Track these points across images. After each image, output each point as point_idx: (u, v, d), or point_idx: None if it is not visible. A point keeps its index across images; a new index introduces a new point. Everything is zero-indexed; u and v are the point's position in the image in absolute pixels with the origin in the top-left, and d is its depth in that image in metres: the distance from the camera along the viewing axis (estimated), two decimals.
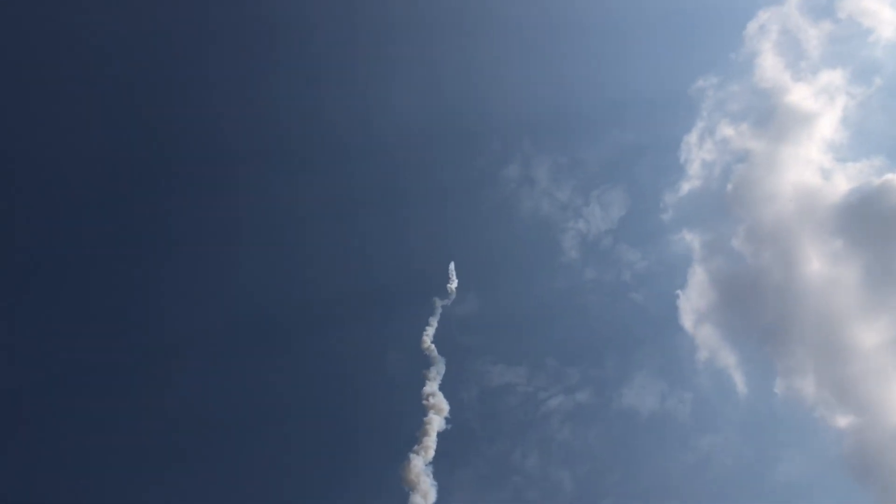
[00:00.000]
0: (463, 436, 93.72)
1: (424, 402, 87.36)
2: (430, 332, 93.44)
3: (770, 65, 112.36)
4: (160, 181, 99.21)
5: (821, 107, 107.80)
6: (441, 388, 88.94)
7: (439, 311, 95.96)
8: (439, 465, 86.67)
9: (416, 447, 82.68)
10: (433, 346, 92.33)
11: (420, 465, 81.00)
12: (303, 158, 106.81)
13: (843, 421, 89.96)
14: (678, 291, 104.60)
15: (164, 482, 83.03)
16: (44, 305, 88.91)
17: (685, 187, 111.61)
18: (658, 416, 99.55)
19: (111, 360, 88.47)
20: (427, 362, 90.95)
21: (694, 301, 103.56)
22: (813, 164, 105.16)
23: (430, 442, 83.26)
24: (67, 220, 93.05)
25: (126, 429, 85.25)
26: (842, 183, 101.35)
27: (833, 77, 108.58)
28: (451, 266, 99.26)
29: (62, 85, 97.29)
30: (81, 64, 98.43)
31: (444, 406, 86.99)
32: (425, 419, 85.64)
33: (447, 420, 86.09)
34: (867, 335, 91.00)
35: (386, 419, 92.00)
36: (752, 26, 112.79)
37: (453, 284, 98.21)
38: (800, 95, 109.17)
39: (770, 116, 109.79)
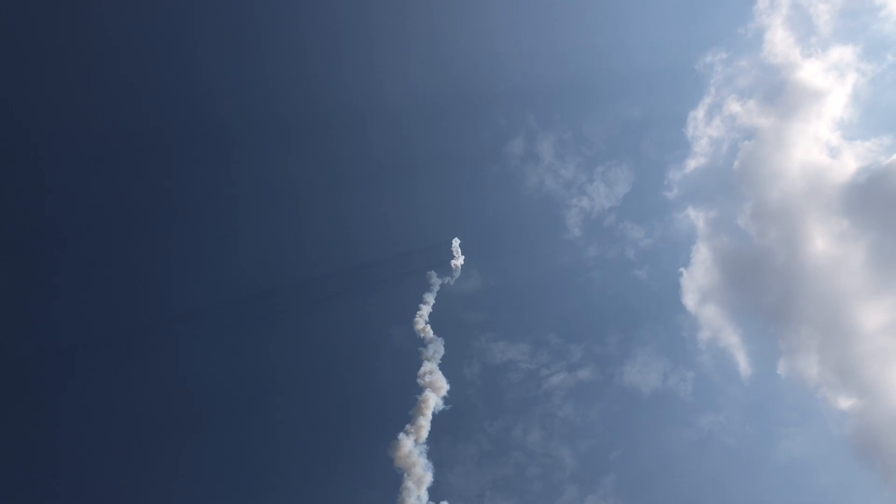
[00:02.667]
0: (464, 412, 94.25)
1: (420, 380, 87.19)
2: (424, 311, 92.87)
3: (779, 40, 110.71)
4: (154, 157, 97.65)
5: (830, 84, 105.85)
6: (442, 365, 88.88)
7: (437, 287, 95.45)
8: (439, 444, 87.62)
9: (407, 427, 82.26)
10: (428, 326, 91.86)
11: (409, 445, 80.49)
12: (304, 132, 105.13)
13: (846, 403, 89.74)
14: (682, 269, 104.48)
15: (150, 456, 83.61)
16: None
17: (691, 164, 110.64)
18: (660, 394, 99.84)
19: (107, 335, 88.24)
20: (423, 342, 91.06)
21: (698, 279, 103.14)
22: (821, 142, 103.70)
23: (424, 421, 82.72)
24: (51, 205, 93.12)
25: (123, 402, 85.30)
26: (850, 162, 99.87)
27: (843, 53, 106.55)
28: (456, 242, 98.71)
29: (59, 66, 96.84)
30: (75, 45, 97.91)
31: (443, 384, 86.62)
32: (420, 398, 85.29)
33: (445, 399, 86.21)
34: (872, 317, 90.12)
35: (381, 398, 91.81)
36: (762, 1, 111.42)
37: (459, 261, 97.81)
38: (809, 72, 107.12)
39: (778, 93, 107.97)
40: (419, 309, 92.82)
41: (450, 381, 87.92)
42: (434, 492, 79.65)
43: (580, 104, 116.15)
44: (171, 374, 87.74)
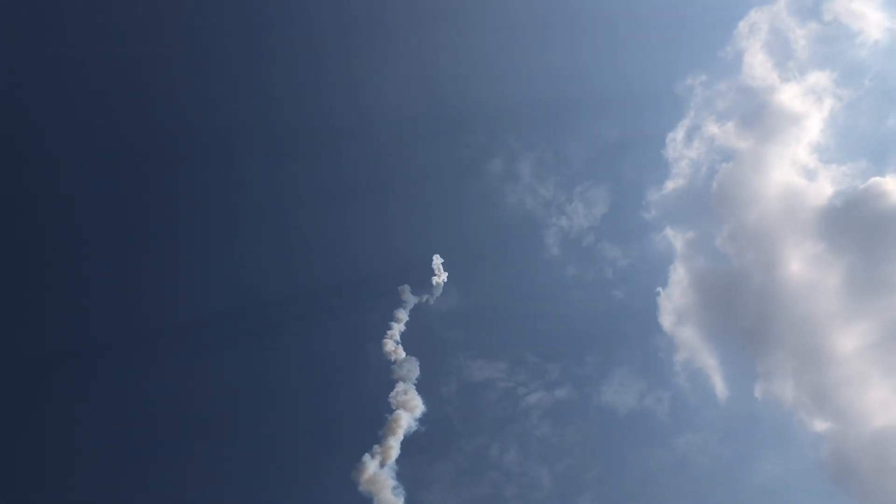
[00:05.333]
0: (441, 431, 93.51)
1: (392, 400, 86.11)
2: (396, 329, 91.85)
3: (758, 63, 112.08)
4: (137, 174, 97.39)
5: (808, 108, 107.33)
6: (418, 384, 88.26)
7: (410, 304, 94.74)
8: (415, 462, 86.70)
9: (374, 448, 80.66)
10: (400, 347, 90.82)
11: (373, 467, 78.77)
12: (285, 151, 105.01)
13: (821, 425, 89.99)
14: (659, 289, 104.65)
15: (129, 468, 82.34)
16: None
17: (669, 185, 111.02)
18: (636, 414, 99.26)
19: (90, 349, 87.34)
20: (394, 364, 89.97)
21: (675, 300, 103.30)
22: (798, 165, 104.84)
23: (394, 442, 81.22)
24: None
25: (101, 418, 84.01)
26: (826, 185, 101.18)
27: (820, 78, 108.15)
28: (438, 260, 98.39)
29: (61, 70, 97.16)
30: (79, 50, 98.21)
31: (418, 404, 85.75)
32: (391, 418, 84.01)
33: (420, 418, 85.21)
34: (847, 341, 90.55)
35: (352, 420, 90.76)
36: (743, 25, 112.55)
37: (441, 278, 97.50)
38: (787, 95, 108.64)
39: (757, 116, 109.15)
40: (389, 328, 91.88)
41: (426, 400, 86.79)
42: None
43: (560, 124, 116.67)
44: (138, 393, 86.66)
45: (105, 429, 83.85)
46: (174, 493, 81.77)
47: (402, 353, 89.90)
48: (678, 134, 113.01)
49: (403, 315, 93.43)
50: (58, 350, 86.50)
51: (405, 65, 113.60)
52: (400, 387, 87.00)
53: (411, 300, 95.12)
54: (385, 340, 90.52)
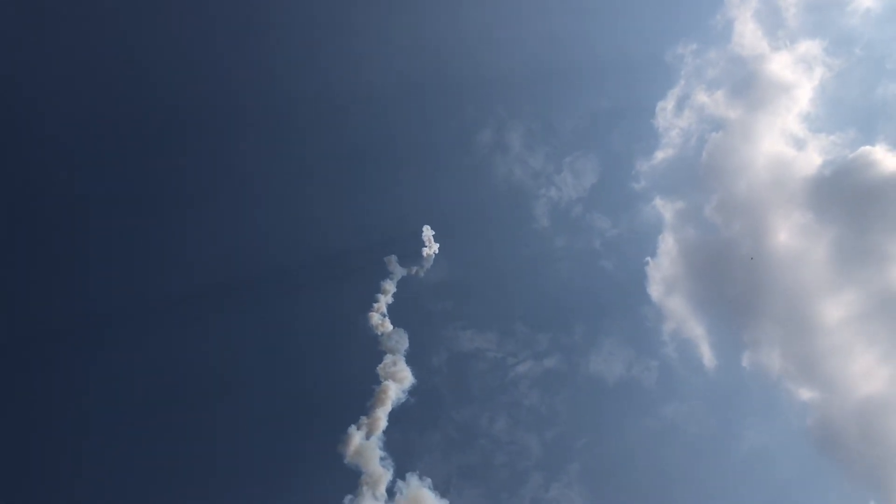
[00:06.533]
0: (431, 401, 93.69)
1: (381, 371, 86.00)
2: (382, 301, 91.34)
3: (749, 32, 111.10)
4: (132, 146, 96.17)
5: (798, 77, 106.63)
6: (408, 354, 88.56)
7: (398, 275, 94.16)
8: (405, 433, 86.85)
9: (361, 420, 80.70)
10: (387, 319, 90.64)
11: (359, 439, 78.75)
12: (268, 121, 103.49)
13: (807, 394, 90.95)
14: (647, 259, 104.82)
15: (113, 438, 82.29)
16: None
17: (659, 155, 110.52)
18: (624, 383, 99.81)
19: (70, 324, 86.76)
20: (381, 337, 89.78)
21: (664, 270, 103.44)
22: (787, 134, 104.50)
23: (382, 413, 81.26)
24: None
25: (85, 391, 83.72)
26: (815, 155, 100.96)
27: (811, 47, 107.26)
28: (428, 231, 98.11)
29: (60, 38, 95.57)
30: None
31: (407, 375, 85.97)
32: (378, 389, 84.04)
33: (409, 389, 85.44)
34: (834, 311, 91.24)
35: (342, 392, 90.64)
36: None
37: (431, 250, 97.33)
38: (777, 64, 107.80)
39: (747, 85, 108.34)
40: (376, 300, 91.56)
41: (416, 370, 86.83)
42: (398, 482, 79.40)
43: (549, 94, 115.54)
44: (125, 366, 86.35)
45: (95, 399, 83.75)
46: (160, 467, 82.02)
47: (388, 326, 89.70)
48: (668, 103, 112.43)
49: (391, 286, 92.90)
50: (55, 323, 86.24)
51: (394, 36, 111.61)
52: (388, 359, 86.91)
53: (399, 271, 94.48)
54: (371, 314, 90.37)
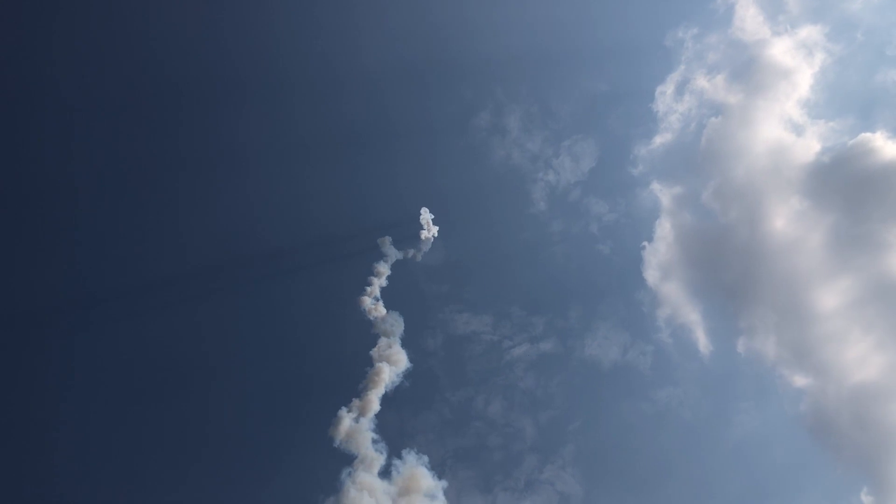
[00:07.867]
0: (426, 384, 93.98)
1: (374, 354, 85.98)
2: (375, 285, 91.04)
3: (750, 16, 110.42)
4: (130, 122, 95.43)
5: (798, 62, 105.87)
6: (404, 337, 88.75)
7: (392, 257, 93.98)
8: (400, 415, 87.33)
9: (353, 402, 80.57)
10: (380, 303, 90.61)
11: (349, 421, 78.52)
12: (264, 100, 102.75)
13: (801, 381, 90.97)
14: (644, 244, 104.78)
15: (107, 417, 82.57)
16: None
17: (657, 140, 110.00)
18: (619, 367, 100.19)
19: (64, 302, 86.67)
20: (374, 321, 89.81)
21: (660, 255, 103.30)
22: (787, 120, 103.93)
23: (374, 395, 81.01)
24: None
25: (76, 373, 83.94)
26: (814, 141, 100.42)
27: (812, 32, 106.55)
28: (426, 214, 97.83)
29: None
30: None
31: (401, 358, 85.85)
32: (371, 371, 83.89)
33: (404, 372, 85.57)
34: (829, 298, 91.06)
35: (336, 375, 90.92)
36: None
37: (430, 233, 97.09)
38: (778, 49, 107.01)
39: (747, 70, 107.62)
40: (369, 283, 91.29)
41: (411, 354, 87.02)
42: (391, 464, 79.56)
43: (548, 78, 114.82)
44: (118, 347, 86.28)
45: (86, 381, 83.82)
46: (151, 449, 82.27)
47: (382, 310, 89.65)
48: (668, 87, 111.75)
49: (384, 268, 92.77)
50: (47, 304, 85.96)
51: (392, 19, 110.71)
52: (383, 342, 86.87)
53: (393, 253, 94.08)
54: (363, 297, 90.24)
